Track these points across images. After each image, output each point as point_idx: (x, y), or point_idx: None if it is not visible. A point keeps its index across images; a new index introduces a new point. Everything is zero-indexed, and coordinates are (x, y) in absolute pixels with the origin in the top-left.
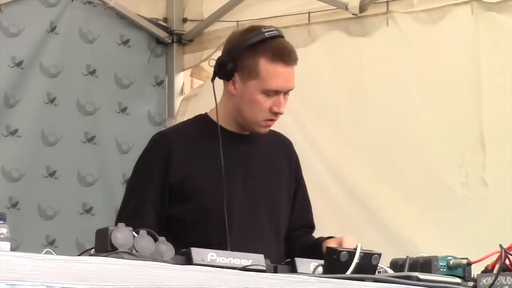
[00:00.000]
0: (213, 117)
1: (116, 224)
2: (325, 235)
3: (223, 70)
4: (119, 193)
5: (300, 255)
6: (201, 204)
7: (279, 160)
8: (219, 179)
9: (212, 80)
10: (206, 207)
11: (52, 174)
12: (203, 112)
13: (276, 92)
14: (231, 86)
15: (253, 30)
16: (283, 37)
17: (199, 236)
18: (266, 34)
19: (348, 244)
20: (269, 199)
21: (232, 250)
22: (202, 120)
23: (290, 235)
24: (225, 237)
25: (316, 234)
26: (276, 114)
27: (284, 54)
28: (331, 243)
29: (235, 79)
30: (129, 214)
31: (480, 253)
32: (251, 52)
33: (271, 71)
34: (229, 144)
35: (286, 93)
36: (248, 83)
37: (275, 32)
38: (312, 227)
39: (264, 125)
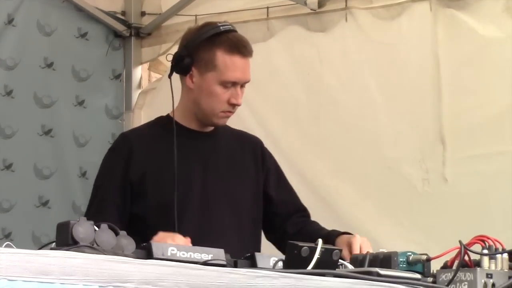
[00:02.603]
0: (176, 117)
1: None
2: None
3: (180, 64)
4: (76, 186)
5: None
6: (159, 201)
7: (242, 157)
8: (177, 173)
9: (170, 75)
10: (164, 203)
11: (8, 166)
12: (160, 106)
13: (234, 84)
14: (188, 81)
15: (208, 25)
16: (237, 32)
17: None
18: (221, 28)
19: (357, 248)
20: (230, 194)
21: (192, 244)
22: (164, 120)
23: (285, 223)
24: (182, 233)
25: None
26: (234, 106)
27: (241, 46)
28: (342, 244)
29: (192, 73)
30: (93, 212)
31: (439, 249)
32: (208, 45)
33: (228, 63)
34: (190, 141)
35: (242, 85)
36: (205, 75)
37: (230, 26)
38: (304, 209)
39: (222, 116)
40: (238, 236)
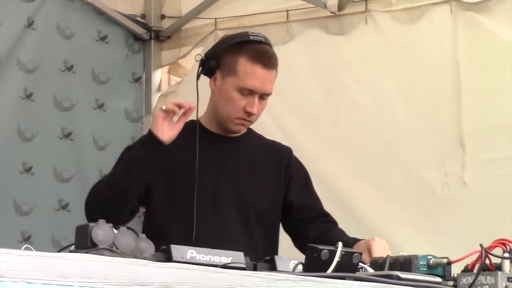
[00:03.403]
0: (201, 120)
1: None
2: None
3: (206, 66)
4: None
5: None
6: (169, 193)
7: (264, 164)
8: (192, 172)
9: (197, 78)
10: (174, 197)
11: (28, 169)
12: None
13: (251, 92)
14: (212, 84)
15: (241, 33)
16: (269, 45)
17: (164, 225)
18: (250, 37)
19: (377, 251)
20: (242, 198)
21: (196, 243)
22: (191, 123)
23: (307, 228)
24: (187, 230)
25: None
26: (250, 114)
27: (264, 57)
28: (361, 247)
29: (216, 76)
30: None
31: (458, 253)
32: (233, 50)
33: (248, 70)
34: (210, 144)
35: (262, 96)
36: (226, 79)
37: (261, 38)
38: (326, 215)
39: (237, 123)
40: (247, 242)
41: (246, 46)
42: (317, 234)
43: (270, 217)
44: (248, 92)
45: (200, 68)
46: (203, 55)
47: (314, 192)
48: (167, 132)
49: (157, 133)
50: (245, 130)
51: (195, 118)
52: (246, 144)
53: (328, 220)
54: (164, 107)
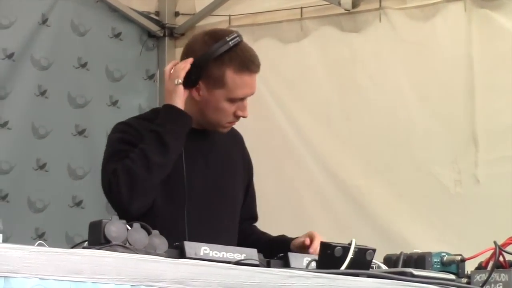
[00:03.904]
0: None
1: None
2: (317, 230)
3: (188, 79)
4: None
5: (262, 251)
6: (162, 189)
7: (234, 154)
8: (181, 168)
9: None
10: (169, 194)
11: (42, 166)
12: None
13: (242, 99)
14: (195, 93)
15: (217, 39)
16: (243, 41)
17: (159, 220)
18: (230, 43)
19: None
20: (227, 191)
21: (190, 239)
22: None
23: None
24: (182, 225)
25: (304, 229)
26: (239, 117)
27: (249, 63)
28: (297, 241)
29: (199, 86)
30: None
31: (472, 250)
32: (217, 63)
33: (238, 82)
34: (191, 139)
35: None
36: (213, 91)
37: (237, 38)
38: (255, 218)
39: (227, 127)
40: (234, 232)
41: (229, 55)
42: (243, 236)
43: (239, 207)
44: (239, 100)
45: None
46: None
47: (254, 188)
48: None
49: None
50: None
51: None
52: (218, 135)
53: (253, 223)
54: (179, 81)
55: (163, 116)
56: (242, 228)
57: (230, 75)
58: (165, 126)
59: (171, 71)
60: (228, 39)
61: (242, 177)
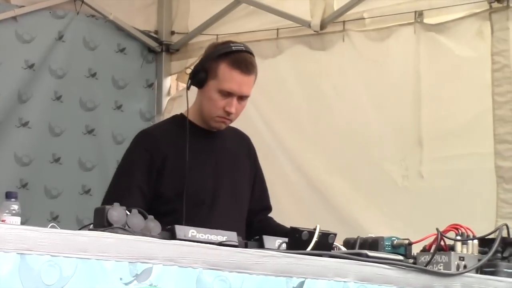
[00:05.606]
0: (190, 116)
1: (103, 203)
2: (286, 218)
3: (196, 78)
4: None
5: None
6: (175, 188)
7: (240, 153)
8: (192, 166)
9: (187, 88)
10: (179, 192)
11: (57, 160)
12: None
13: (230, 94)
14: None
15: (224, 43)
16: (249, 53)
17: (176, 212)
18: (233, 47)
19: None
20: (234, 187)
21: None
22: (179, 118)
23: (252, 219)
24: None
25: (277, 217)
26: (229, 114)
27: (242, 64)
28: None
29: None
30: (117, 195)
31: (417, 236)
32: (217, 59)
33: (227, 75)
34: (201, 138)
35: (241, 98)
36: (209, 82)
37: (242, 47)
38: (269, 208)
39: (218, 121)
40: (241, 224)
41: (228, 53)
42: (260, 225)
43: (249, 201)
44: (227, 94)
45: (190, 80)
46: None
47: (265, 181)
48: None
49: None
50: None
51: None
52: (227, 136)
53: (268, 213)
54: None
55: None
56: (259, 219)
57: (223, 68)
58: None
59: None
60: (232, 45)
61: (248, 174)
